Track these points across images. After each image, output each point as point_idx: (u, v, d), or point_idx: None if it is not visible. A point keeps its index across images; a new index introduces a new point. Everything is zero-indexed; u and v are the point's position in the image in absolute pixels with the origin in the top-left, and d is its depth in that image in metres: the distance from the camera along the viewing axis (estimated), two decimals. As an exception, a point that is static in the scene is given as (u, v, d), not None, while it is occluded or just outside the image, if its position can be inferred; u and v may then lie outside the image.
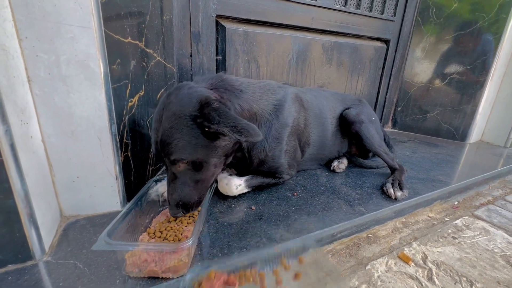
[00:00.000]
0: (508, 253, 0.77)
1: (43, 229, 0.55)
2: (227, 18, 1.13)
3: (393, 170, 1.01)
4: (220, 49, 1.15)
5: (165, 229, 0.60)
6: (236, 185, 0.80)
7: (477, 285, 0.65)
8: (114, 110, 0.64)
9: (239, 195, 0.83)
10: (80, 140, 0.62)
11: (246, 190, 0.83)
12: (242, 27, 1.16)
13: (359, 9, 1.42)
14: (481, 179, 1.15)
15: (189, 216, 0.66)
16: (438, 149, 1.48)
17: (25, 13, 0.51)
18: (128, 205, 0.61)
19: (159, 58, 0.91)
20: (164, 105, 0.61)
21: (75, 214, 0.67)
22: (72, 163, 0.62)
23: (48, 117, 0.58)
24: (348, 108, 1.10)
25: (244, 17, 1.15)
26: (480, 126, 1.64)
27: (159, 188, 0.76)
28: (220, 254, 0.58)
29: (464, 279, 0.67)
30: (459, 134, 1.63)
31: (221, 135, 0.61)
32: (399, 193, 0.87)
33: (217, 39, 1.13)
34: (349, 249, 0.76)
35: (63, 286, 0.47)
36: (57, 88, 0.57)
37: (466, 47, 1.53)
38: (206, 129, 0.59)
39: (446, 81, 1.62)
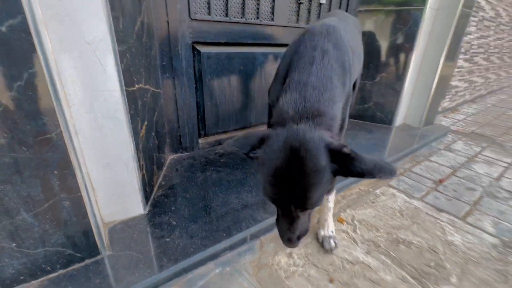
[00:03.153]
0: (403, 209, 1.21)
1: (102, 234, 0.79)
2: (201, 43, 1.33)
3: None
4: (197, 69, 1.37)
5: None
6: None
7: (380, 230, 1.07)
8: (134, 143, 0.87)
9: (227, 189, 1.13)
10: (113, 170, 0.84)
11: None
12: (215, 49, 1.38)
13: (309, 24, 1.71)
14: (397, 158, 1.61)
15: None
16: (372, 134, 1.92)
17: (80, 89, 0.71)
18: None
19: (153, 88, 1.11)
20: (292, 158, 0.56)
21: (112, 220, 0.91)
22: (108, 185, 0.86)
23: (92, 156, 0.79)
24: None
25: (215, 41, 1.36)
26: (403, 112, 2.12)
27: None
28: (224, 234, 0.89)
29: (374, 228, 1.08)
30: (388, 120, 2.09)
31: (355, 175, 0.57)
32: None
33: (194, 61, 1.34)
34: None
35: (130, 268, 0.75)
36: (96, 135, 0.78)
37: (391, 56, 1.94)
38: (346, 174, 0.58)
39: (378, 78, 2.04)
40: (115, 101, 0.78)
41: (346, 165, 0.56)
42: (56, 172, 0.63)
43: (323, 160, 0.56)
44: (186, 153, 1.49)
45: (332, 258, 0.93)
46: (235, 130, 1.67)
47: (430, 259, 0.94)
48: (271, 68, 1.64)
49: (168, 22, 1.19)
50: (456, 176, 1.53)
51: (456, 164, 1.68)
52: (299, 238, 0.65)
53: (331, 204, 0.99)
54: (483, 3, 2.38)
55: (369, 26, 1.97)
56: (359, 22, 1.43)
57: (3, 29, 0.50)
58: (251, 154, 0.64)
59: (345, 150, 0.56)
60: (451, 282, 0.85)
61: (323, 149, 0.57)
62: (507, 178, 1.54)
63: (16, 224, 0.62)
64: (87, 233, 0.73)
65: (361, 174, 0.54)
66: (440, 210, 1.21)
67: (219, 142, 1.61)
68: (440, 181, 1.46)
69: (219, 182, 1.21)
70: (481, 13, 2.45)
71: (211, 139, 1.59)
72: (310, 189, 0.56)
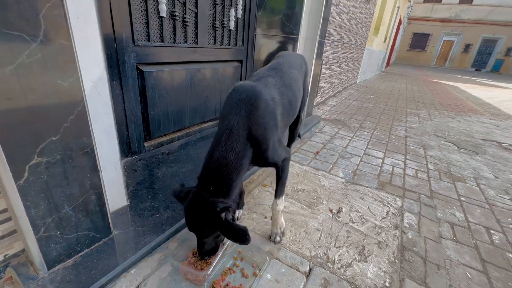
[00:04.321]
0: (298, 172, 1.93)
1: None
2: (144, 63, 1.61)
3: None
4: (140, 85, 1.64)
5: None
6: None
7: (288, 186, 1.73)
8: (120, 150, 1.16)
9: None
10: (107, 171, 1.11)
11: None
12: (155, 68, 1.67)
13: (223, 45, 2.20)
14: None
15: None
16: (275, 126, 2.64)
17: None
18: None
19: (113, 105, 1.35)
20: (190, 214, 0.88)
21: (105, 213, 1.17)
22: (104, 184, 1.11)
23: (91, 164, 1.04)
24: None
25: (154, 61, 1.66)
26: (292, 108, 2.96)
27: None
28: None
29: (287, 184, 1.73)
30: (284, 114, 2.88)
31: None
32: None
33: (138, 78, 1.60)
34: (245, 185, 1.66)
35: (140, 236, 1.07)
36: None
37: (281, 65, 2.68)
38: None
39: (274, 84, 2.77)
40: (110, 120, 1.06)
41: (218, 227, 0.83)
42: (88, 175, 0.90)
43: (207, 220, 0.85)
44: (136, 156, 1.73)
45: (264, 206, 1.50)
46: (174, 132, 2.00)
47: (313, 195, 1.66)
48: (198, 80, 2.05)
49: (116, 50, 1.42)
50: (325, 148, 2.43)
51: (325, 141, 2.62)
52: (206, 254, 0.95)
53: (280, 206, 1.18)
54: (332, 31, 3.52)
55: (266, 46, 2.64)
56: (304, 60, 1.68)
57: (66, 84, 0.76)
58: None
59: (222, 215, 0.82)
60: (324, 204, 1.59)
61: (209, 213, 0.84)
62: (350, 146, 2.56)
63: (61, 216, 0.86)
64: (105, 218, 1.01)
65: (225, 235, 0.83)
66: (317, 169, 2.00)
67: (162, 144, 1.92)
68: (317, 152, 2.31)
69: (176, 174, 1.58)
70: (332, 37, 3.60)
71: (154, 142, 1.87)
72: (199, 234, 0.91)
